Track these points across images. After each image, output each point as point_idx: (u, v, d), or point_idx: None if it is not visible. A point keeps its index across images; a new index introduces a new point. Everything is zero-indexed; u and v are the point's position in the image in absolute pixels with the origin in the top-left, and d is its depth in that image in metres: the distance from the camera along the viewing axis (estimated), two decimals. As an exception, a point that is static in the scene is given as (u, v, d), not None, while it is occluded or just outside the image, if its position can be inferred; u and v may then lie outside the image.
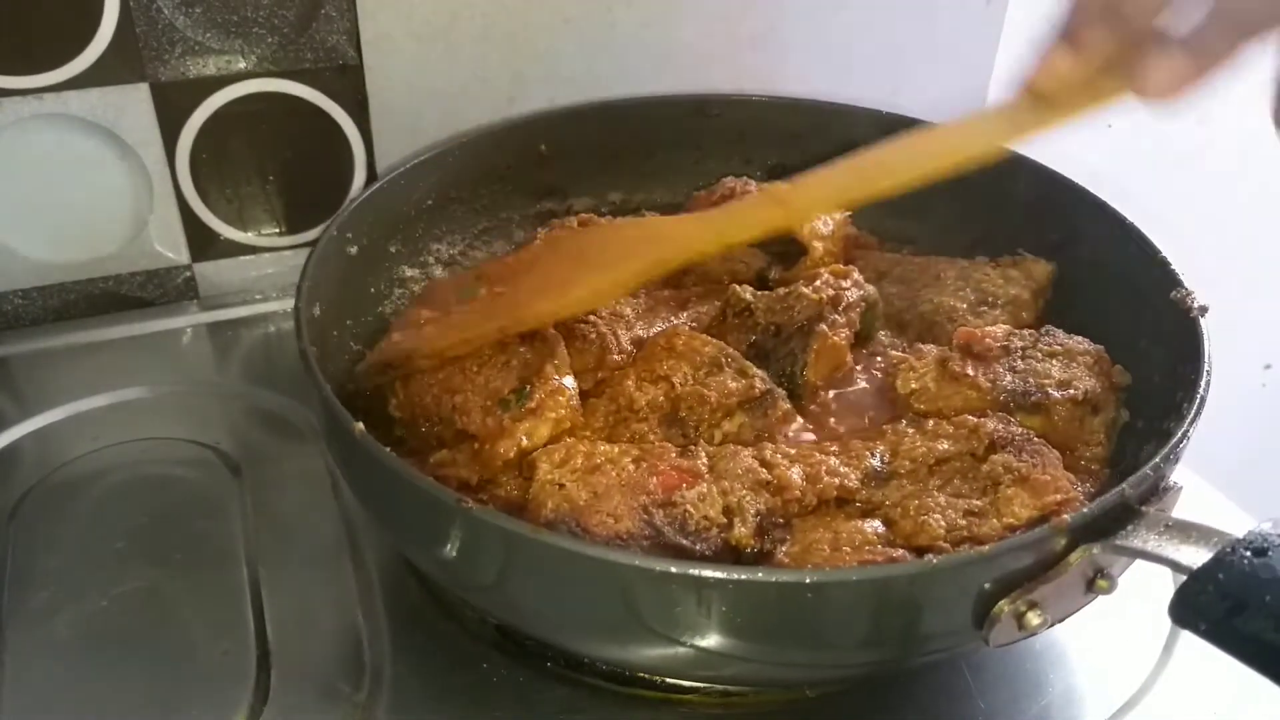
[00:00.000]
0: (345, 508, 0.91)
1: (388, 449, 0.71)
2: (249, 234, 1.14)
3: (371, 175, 1.14)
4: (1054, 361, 0.87)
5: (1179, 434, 0.72)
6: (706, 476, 0.76)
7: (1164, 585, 0.87)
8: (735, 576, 0.62)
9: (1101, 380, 0.86)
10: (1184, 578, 0.62)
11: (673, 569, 0.63)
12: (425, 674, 0.79)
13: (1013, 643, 0.67)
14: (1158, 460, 0.70)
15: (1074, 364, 0.86)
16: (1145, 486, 0.69)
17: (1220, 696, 0.80)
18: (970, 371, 0.86)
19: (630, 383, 0.86)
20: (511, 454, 0.80)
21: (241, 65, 1.04)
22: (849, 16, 1.21)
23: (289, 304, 1.13)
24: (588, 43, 1.14)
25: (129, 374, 1.04)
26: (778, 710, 0.79)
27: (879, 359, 0.94)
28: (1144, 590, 0.74)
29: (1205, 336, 0.81)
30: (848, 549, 0.73)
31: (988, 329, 0.89)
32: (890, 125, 1.06)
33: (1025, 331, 0.90)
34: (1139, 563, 0.69)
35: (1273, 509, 0.96)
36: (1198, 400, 0.75)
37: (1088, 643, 0.84)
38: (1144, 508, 0.68)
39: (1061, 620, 0.68)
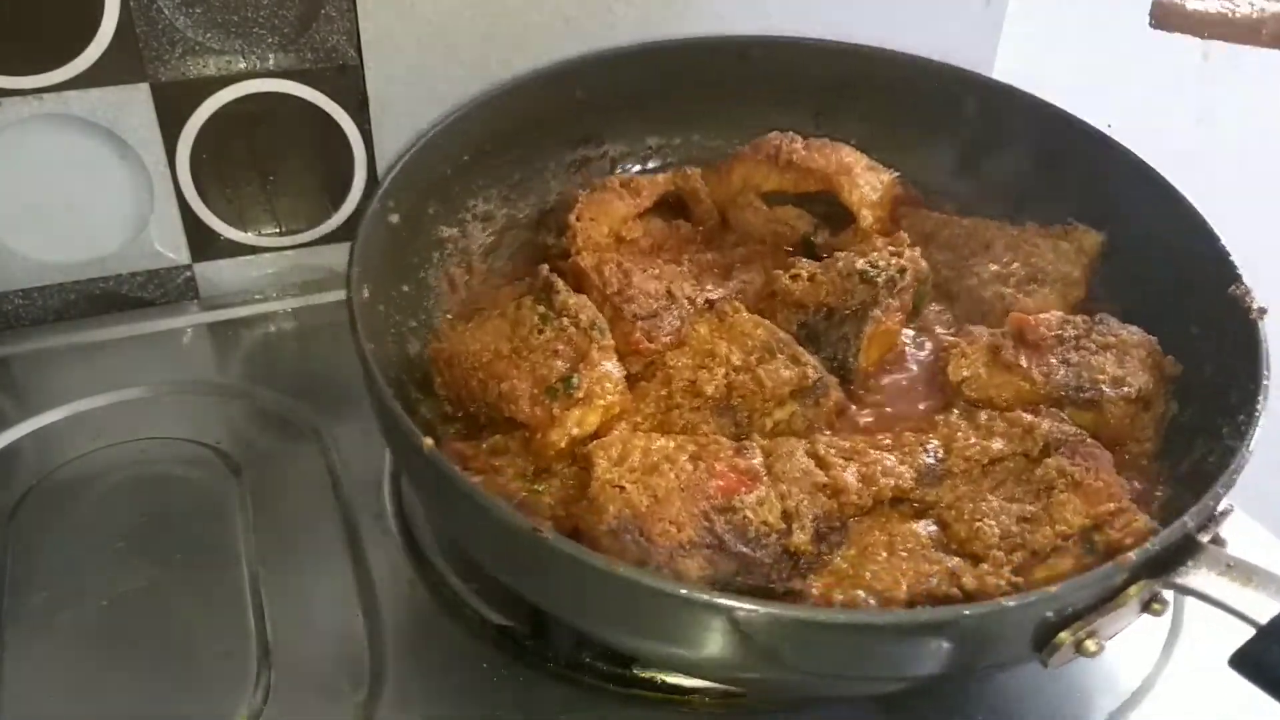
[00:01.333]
0: (345, 507, 0.91)
1: (458, 469, 0.72)
2: (249, 234, 1.14)
3: (372, 175, 1.14)
4: (1108, 355, 0.85)
5: (1237, 459, 0.72)
6: (765, 479, 0.76)
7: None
8: (818, 618, 0.65)
9: (1154, 373, 0.85)
10: (1250, 629, 0.62)
11: (754, 608, 0.63)
12: (425, 674, 0.80)
13: (1067, 663, 0.68)
14: (1217, 487, 0.70)
15: (1128, 357, 0.85)
16: (1204, 516, 0.69)
17: (1220, 697, 0.80)
18: (1023, 362, 0.84)
19: (683, 365, 0.85)
20: (563, 444, 0.80)
21: (242, 65, 1.04)
22: (849, 17, 1.21)
23: (289, 304, 1.14)
24: (588, 42, 1.13)
25: (129, 374, 1.04)
26: (777, 711, 0.79)
27: (927, 341, 0.93)
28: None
29: (1265, 347, 0.79)
30: (903, 553, 0.74)
31: (1041, 316, 0.87)
32: (935, 73, 1.06)
33: (1079, 319, 0.88)
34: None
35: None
36: (1255, 423, 0.75)
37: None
38: (1202, 536, 0.68)
39: (1113, 638, 0.69)
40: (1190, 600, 0.85)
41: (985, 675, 0.79)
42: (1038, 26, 1.27)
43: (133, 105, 1.03)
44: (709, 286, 0.95)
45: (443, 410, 0.87)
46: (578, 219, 0.99)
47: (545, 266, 0.91)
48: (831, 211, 1.03)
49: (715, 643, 0.65)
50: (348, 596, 0.84)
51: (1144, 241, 0.93)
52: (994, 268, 0.96)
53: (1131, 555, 0.65)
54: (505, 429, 0.83)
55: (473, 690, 0.78)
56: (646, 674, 0.79)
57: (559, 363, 0.82)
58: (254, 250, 1.15)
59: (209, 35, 1.02)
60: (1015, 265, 0.96)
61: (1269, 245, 1.37)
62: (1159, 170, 0.94)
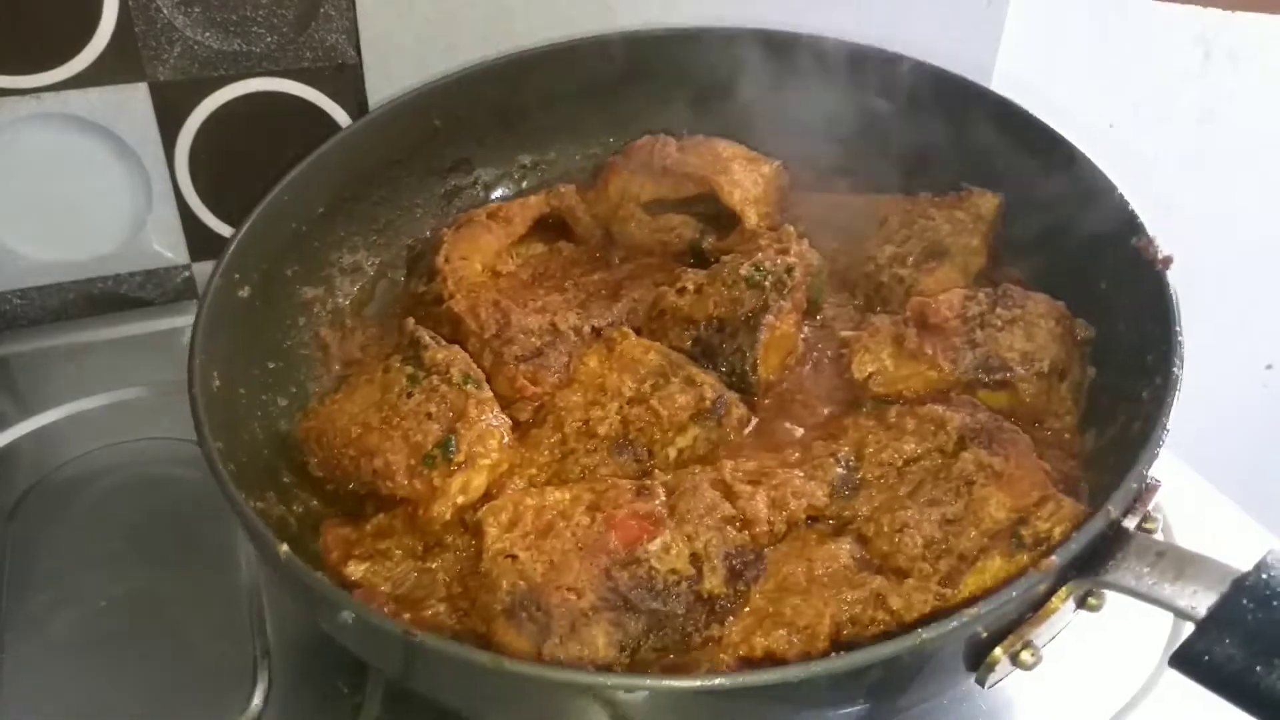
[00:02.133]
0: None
1: (319, 574, 0.66)
2: (248, 233, 1.14)
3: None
4: (1015, 330, 0.81)
5: (1153, 438, 0.67)
6: (668, 522, 0.70)
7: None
8: (732, 684, 0.60)
9: (1065, 342, 0.81)
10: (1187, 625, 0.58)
11: (659, 681, 0.61)
12: (424, 674, 0.79)
13: (1006, 677, 0.64)
14: (1139, 468, 0.65)
15: (1036, 329, 0.81)
16: (1129, 500, 0.65)
17: (1220, 700, 0.80)
18: (929, 349, 0.81)
19: (574, 404, 0.81)
20: (449, 514, 0.75)
21: (241, 65, 1.04)
22: (849, 17, 1.20)
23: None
24: (587, 42, 1.13)
25: (128, 374, 1.03)
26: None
27: (828, 330, 0.89)
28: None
29: (1174, 298, 0.75)
30: (824, 580, 0.70)
31: (942, 298, 0.84)
32: (781, 44, 0.98)
33: (981, 294, 0.84)
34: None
35: (1273, 510, 0.96)
36: (1172, 387, 0.70)
37: (1088, 644, 0.83)
38: (1128, 520, 0.64)
39: (1051, 643, 0.66)
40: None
41: (927, 700, 0.75)
42: (1039, 27, 1.27)
43: (131, 105, 1.03)
44: (596, 312, 0.90)
45: (323, 490, 0.82)
46: (446, 260, 0.93)
47: (410, 320, 0.85)
48: (719, 211, 0.97)
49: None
50: (347, 597, 0.84)
51: (1044, 202, 0.89)
52: (890, 249, 0.92)
53: (1054, 559, 0.62)
54: (389, 505, 0.78)
55: (472, 691, 0.78)
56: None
57: (434, 426, 0.76)
58: (253, 250, 1.14)
59: (208, 34, 1.02)
60: (911, 242, 0.91)
61: (1270, 245, 1.38)
62: (1056, 128, 0.90)
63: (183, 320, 1.12)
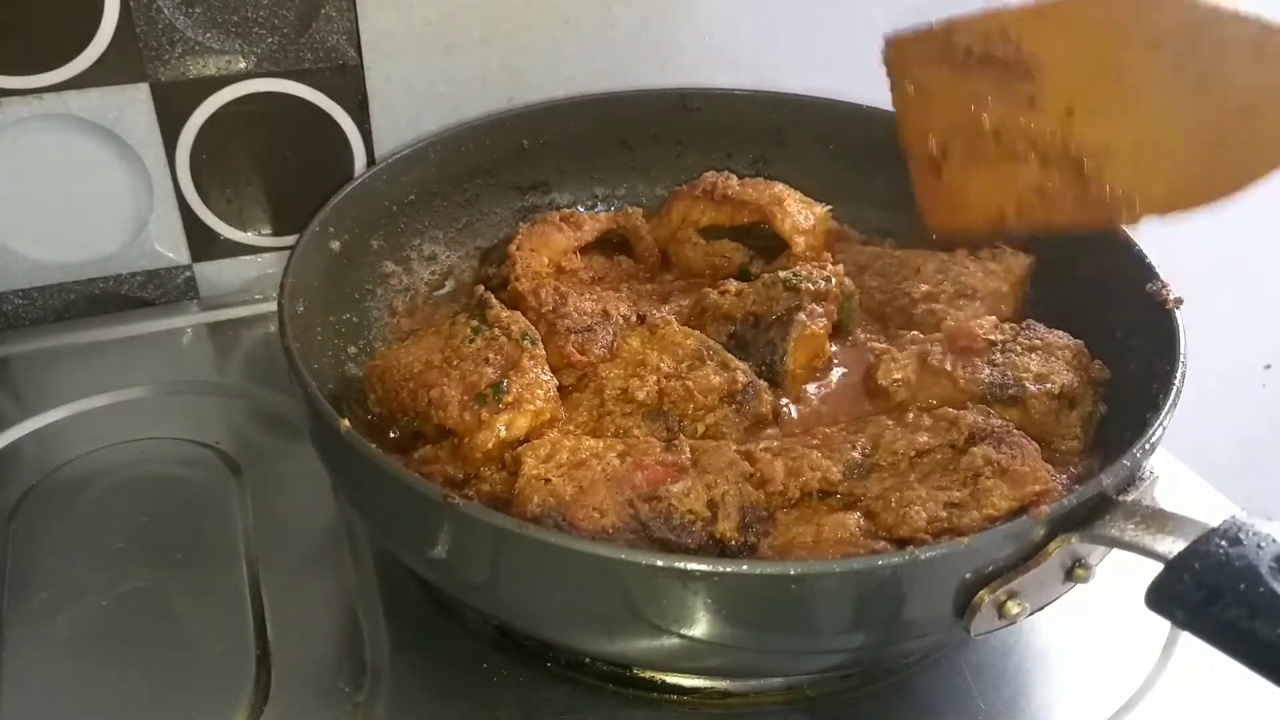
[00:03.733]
0: (345, 507, 0.91)
1: (373, 445, 0.72)
2: (249, 234, 1.14)
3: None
4: (1033, 356, 0.87)
5: (1155, 424, 0.73)
6: (691, 471, 0.76)
7: (1164, 585, 0.88)
8: (723, 569, 0.64)
9: (1079, 375, 0.87)
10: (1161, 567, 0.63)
11: (661, 562, 0.63)
12: (425, 674, 0.79)
13: (993, 631, 0.68)
14: (1134, 450, 0.71)
15: (1053, 358, 0.87)
16: (1122, 476, 0.70)
17: (1220, 697, 0.80)
18: (949, 367, 0.87)
19: (615, 375, 0.87)
20: (491, 445, 0.80)
21: (242, 65, 1.04)
22: (849, 17, 1.21)
23: (289, 304, 1.14)
24: (588, 42, 1.14)
25: (129, 374, 1.04)
26: (777, 710, 0.79)
27: (858, 350, 0.95)
28: (1143, 590, 0.74)
29: (1180, 329, 0.81)
30: (830, 542, 0.74)
31: (976, 322, 0.90)
32: (868, 119, 1.08)
33: (1007, 326, 0.90)
34: (1138, 560, 0.70)
35: (1274, 507, 0.96)
36: (1173, 392, 0.76)
37: (1087, 642, 0.84)
38: (1121, 497, 0.69)
39: (1040, 609, 0.69)
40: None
41: (913, 646, 0.78)
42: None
43: (132, 105, 1.03)
44: (645, 308, 0.98)
45: (375, 429, 0.87)
46: (517, 248, 1.01)
47: (480, 286, 0.93)
48: (768, 245, 1.06)
49: (618, 606, 0.66)
50: (347, 596, 0.84)
51: (1068, 258, 0.96)
52: (925, 287, 0.98)
53: (1045, 508, 0.66)
54: (435, 439, 0.83)
55: (472, 691, 0.78)
56: (646, 674, 0.79)
57: (489, 370, 0.83)
58: (254, 250, 1.15)
59: (209, 35, 1.02)
60: (945, 284, 0.98)
61: (1269, 245, 1.38)
62: None
63: (184, 320, 1.12)
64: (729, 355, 0.88)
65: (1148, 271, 0.87)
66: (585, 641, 0.76)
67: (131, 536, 0.88)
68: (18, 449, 0.97)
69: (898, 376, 0.88)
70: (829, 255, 1.00)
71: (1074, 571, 0.69)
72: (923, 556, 0.64)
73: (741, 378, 0.86)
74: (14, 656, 0.79)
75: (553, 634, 0.77)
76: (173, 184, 1.08)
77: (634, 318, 0.94)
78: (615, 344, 0.90)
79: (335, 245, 0.95)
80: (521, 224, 1.07)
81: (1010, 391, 0.85)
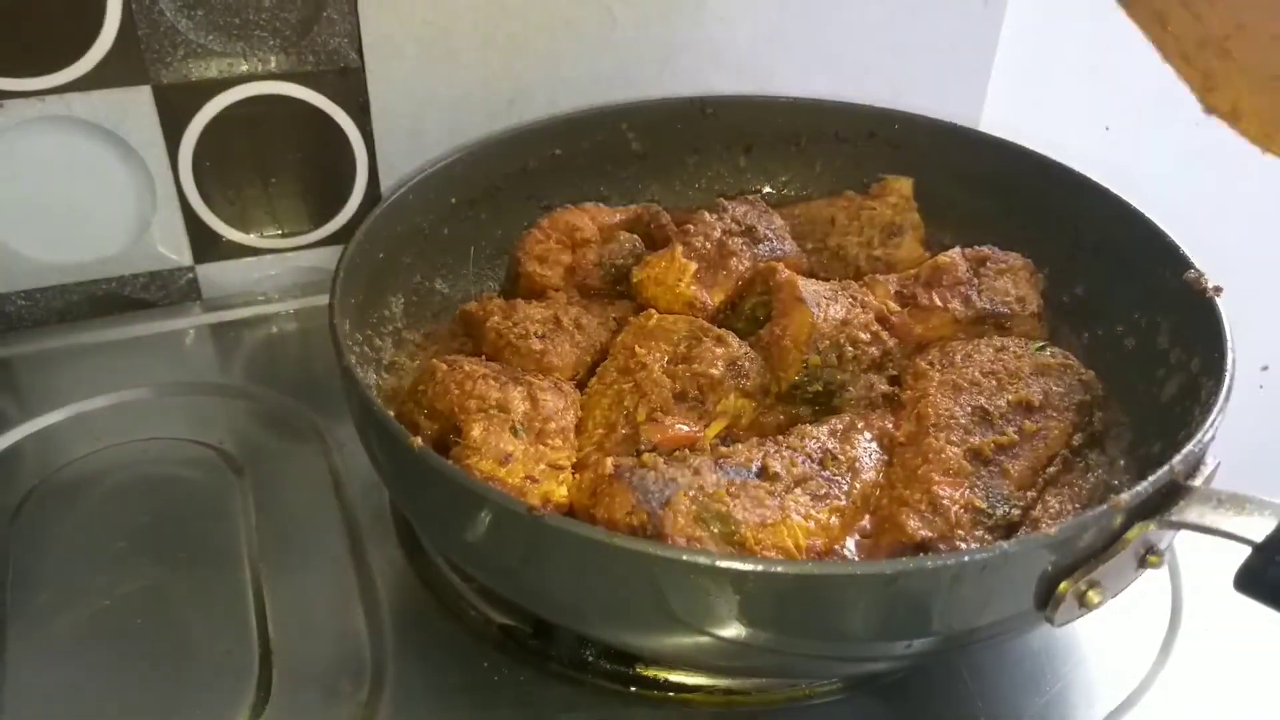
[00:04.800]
0: (346, 507, 0.92)
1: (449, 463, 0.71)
2: (251, 236, 1.14)
3: (373, 178, 1.14)
4: (1004, 279, 0.98)
5: (1215, 408, 0.74)
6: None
7: (1161, 585, 0.88)
8: (831, 571, 0.65)
9: (1038, 287, 0.99)
10: (1247, 550, 0.63)
11: (776, 569, 0.64)
12: (427, 673, 0.80)
13: (1073, 620, 0.68)
14: (1201, 435, 0.72)
15: (1020, 280, 0.98)
16: (1191, 462, 0.70)
17: (1219, 696, 0.80)
18: (940, 301, 0.96)
19: (616, 376, 0.86)
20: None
21: (244, 68, 1.05)
22: (849, 17, 1.21)
23: (291, 305, 1.14)
24: (588, 44, 1.14)
25: (132, 375, 1.04)
26: (779, 710, 0.79)
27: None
28: (1143, 589, 0.74)
29: (1224, 316, 0.83)
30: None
31: (943, 260, 0.98)
32: (885, 121, 1.10)
33: (967, 253, 1.00)
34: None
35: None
36: (1227, 378, 0.77)
37: (1086, 642, 0.84)
38: (1191, 483, 0.70)
39: (1115, 596, 0.69)
40: (1189, 597, 0.86)
41: (993, 641, 0.78)
42: (1035, 28, 1.27)
43: (135, 107, 1.03)
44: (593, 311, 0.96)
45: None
46: (528, 231, 1.02)
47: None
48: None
49: (712, 610, 0.65)
50: (349, 596, 0.84)
51: (1099, 254, 0.99)
52: (854, 239, 1.06)
53: (1124, 496, 0.67)
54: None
55: (474, 690, 0.78)
56: (650, 673, 0.79)
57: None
58: (256, 252, 1.15)
59: (211, 38, 1.02)
60: (867, 230, 1.07)
61: (1267, 246, 1.38)
62: (1108, 186, 0.98)
63: (186, 322, 1.13)
64: (721, 330, 0.88)
65: (1183, 261, 0.88)
66: (673, 649, 0.75)
67: (133, 537, 0.88)
68: (20, 450, 0.97)
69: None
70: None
71: (1146, 559, 0.69)
72: (1011, 549, 0.64)
73: (739, 348, 0.87)
74: (16, 657, 0.79)
75: (633, 642, 0.76)
76: (175, 186, 1.08)
77: (583, 321, 0.93)
78: (578, 344, 0.91)
79: (380, 255, 0.93)
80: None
81: (1002, 318, 0.96)
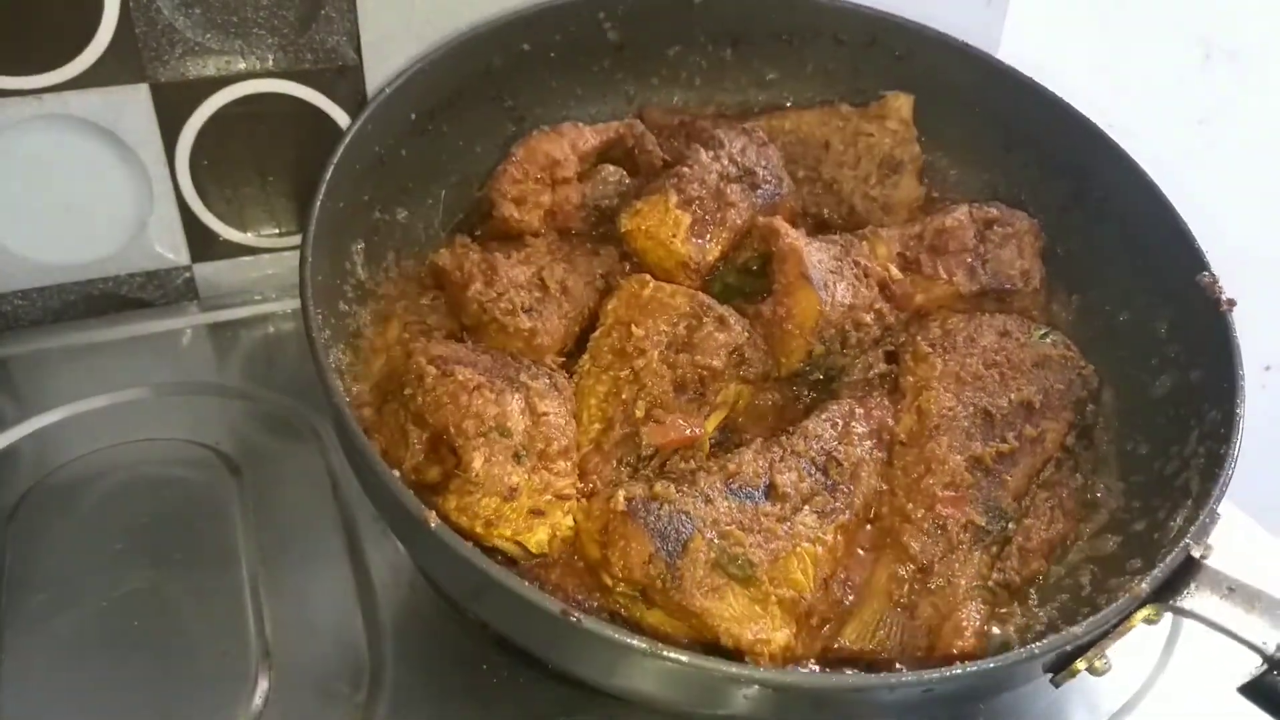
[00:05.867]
0: (345, 508, 0.91)
1: (469, 544, 0.68)
2: (249, 235, 1.14)
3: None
4: (1010, 245, 0.95)
5: (1225, 469, 0.74)
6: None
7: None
8: (871, 683, 0.66)
9: (1041, 255, 0.96)
10: (1258, 657, 0.65)
11: (799, 681, 0.67)
12: (425, 675, 0.79)
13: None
14: (1211, 504, 0.72)
15: (1024, 247, 0.95)
16: (1202, 534, 0.71)
17: (1220, 697, 0.80)
18: (944, 272, 0.93)
19: (609, 358, 0.84)
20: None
21: (241, 66, 1.04)
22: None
23: (289, 304, 1.14)
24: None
25: (129, 375, 1.03)
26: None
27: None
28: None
29: (1235, 339, 0.82)
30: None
31: (949, 225, 0.94)
32: (890, 29, 1.03)
33: (973, 212, 0.95)
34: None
35: (1272, 512, 0.96)
36: (1235, 443, 0.76)
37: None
38: (1196, 553, 0.70)
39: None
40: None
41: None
42: (1038, 26, 1.27)
43: (132, 106, 1.03)
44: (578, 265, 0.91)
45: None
46: (504, 163, 0.94)
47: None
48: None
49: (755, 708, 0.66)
50: (347, 597, 0.84)
51: (1102, 215, 0.96)
52: (849, 173, 1.00)
53: (1144, 586, 0.67)
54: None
55: (472, 691, 0.78)
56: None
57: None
58: (253, 251, 1.15)
59: (208, 36, 1.02)
60: (864, 162, 1.01)
61: (1268, 246, 1.38)
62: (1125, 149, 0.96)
63: (183, 321, 1.12)
64: (723, 309, 0.85)
65: (1197, 257, 0.86)
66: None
67: (131, 537, 0.88)
68: (17, 450, 0.97)
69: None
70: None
71: (1148, 618, 0.71)
72: (1040, 650, 0.66)
73: (742, 333, 0.84)
74: (13, 658, 0.79)
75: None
76: (172, 184, 1.08)
77: (569, 283, 0.88)
78: (566, 315, 0.87)
79: (340, 205, 0.87)
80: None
81: (1005, 294, 0.94)
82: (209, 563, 0.86)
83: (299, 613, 0.83)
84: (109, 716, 0.77)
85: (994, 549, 0.78)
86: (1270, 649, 0.64)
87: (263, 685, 0.78)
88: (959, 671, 0.65)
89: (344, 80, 1.08)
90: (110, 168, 1.05)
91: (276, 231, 1.14)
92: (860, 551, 0.79)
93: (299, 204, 1.14)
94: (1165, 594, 0.68)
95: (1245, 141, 1.38)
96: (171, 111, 1.04)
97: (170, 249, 1.12)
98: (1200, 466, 0.77)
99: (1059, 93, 1.02)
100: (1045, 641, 0.67)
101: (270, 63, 1.05)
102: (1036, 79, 1.02)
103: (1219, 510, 0.73)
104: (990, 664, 0.66)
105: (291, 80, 1.06)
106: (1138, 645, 0.83)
